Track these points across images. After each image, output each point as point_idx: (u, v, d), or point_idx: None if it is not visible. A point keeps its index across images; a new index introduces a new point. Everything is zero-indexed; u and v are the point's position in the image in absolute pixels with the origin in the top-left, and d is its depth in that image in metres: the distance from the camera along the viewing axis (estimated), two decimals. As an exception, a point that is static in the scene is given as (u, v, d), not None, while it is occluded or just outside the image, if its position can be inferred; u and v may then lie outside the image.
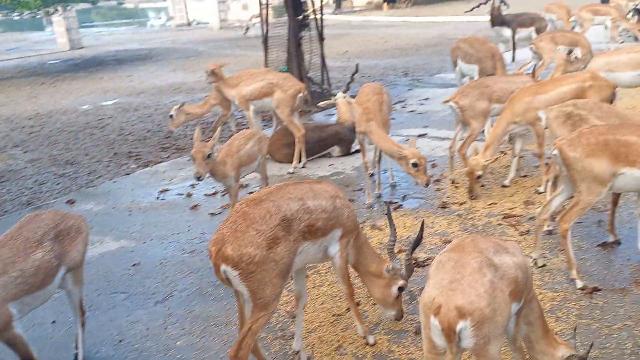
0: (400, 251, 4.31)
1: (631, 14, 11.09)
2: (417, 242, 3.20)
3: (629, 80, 6.32)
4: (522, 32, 9.94)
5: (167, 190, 6.62)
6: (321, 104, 7.10)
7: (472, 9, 10.96)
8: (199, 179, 4.53)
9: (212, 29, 29.51)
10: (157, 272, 4.73)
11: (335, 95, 7.21)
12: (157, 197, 6.45)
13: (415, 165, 4.84)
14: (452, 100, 5.80)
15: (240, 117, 9.20)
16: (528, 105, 5.17)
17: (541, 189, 5.39)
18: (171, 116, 7.77)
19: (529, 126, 5.28)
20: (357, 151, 7.05)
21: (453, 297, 2.31)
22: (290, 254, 3.05)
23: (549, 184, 4.84)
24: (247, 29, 23.53)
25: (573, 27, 11.21)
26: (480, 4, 10.05)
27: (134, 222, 5.80)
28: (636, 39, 10.67)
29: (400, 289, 3.37)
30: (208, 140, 4.64)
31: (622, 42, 10.67)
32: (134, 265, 4.90)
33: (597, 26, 11.52)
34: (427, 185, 4.94)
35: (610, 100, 5.12)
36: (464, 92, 5.78)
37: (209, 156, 4.50)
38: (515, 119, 5.25)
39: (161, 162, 7.81)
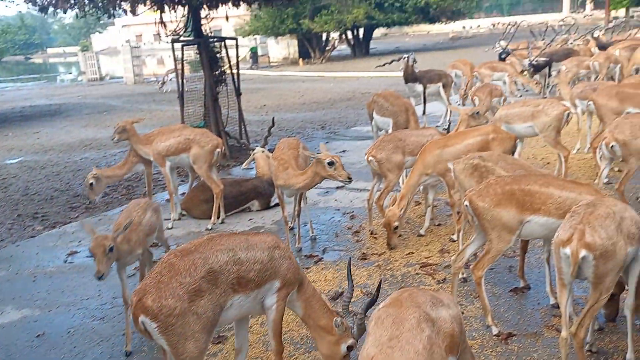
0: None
1: (527, 69, 11.97)
2: (373, 301, 3.18)
3: (523, 131, 6.72)
4: (431, 88, 10.49)
5: (75, 252, 6.27)
6: (243, 166, 7.16)
7: (383, 64, 11.49)
8: (100, 278, 3.81)
9: (127, 83, 29.05)
10: (64, 343, 4.40)
11: (253, 149, 7.24)
12: (65, 261, 6.08)
13: (331, 164, 4.94)
14: (368, 153, 5.96)
15: (156, 173, 8.97)
16: (438, 158, 5.39)
17: (455, 237, 5.57)
18: (91, 184, 6.78)
19: (439, 177, 5.48)
20: (277, 205, 7.04)
21: (392, 355, 2.28)
22: (216, 307, 2.96)
23: (462, 232, 5.02)
24: (163, 83, 23.33)
25: (475, 83, 11.95)
26: (393, 61, 10.57)
27: (38, 289, 5.42)
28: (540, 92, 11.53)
29: (349, 348, 3.30)
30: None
31: (520, 96, 11.46)
32: (38, 336, 4.54)
33: (496, 82, 12.36)
34: (349, 179, 4.95)
35: (512, 151, 5.44)
36: (379, 145, 5.97)
37: (111, 250, 3.85)
38: (426, 171, 5.45)
39: (70, 222, 7.42)
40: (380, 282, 3.38)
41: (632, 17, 31.46)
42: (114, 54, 55.92)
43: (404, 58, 10.22)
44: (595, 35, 15.29)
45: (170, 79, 23.29)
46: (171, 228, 6.69)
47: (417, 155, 5.67)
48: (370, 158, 5.94)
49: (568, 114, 6.53)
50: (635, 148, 5.31)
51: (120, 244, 4.01)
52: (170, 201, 6.97)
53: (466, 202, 3.93)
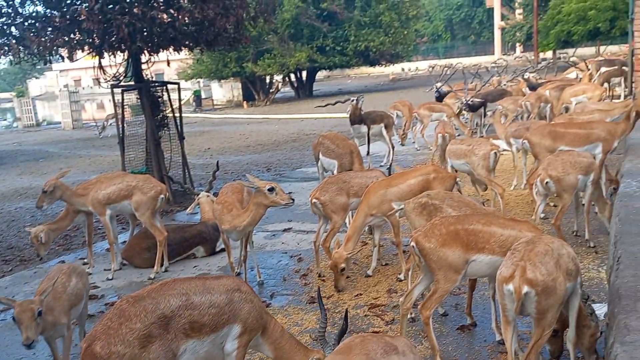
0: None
1: (463, 109, 12.43)
2: (343, 331, 3.16)
3: (459, 167, 7.22)
4: (374, 128, 10.72)
5: (8, 309, 5.91)
6: (187, 210, 7.07)
7: (325, 105, 11.72)
8: (29, 346, 3.57)
9: (65, 129, 28.31)
10: (-6, 408, 4.10)
11: (198, 194, 7.13)
12: (-3, 318, 5.73)
13: (271, 190, 4.96)
14: (312, 196, 5.98)
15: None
16: (382, 198, 5.46)
17: (402, 276, 5.60)
18: (39, 239, 6.30)
19: (384, 217, 5.54)
20: (222, 250, 6.91)
21: None
22: (168, 352, 2.90)
23: (410, 272, 5.05)
24: (103, 128, 22.86)
25: (414, 124, 12.32)
26: (337, 102, 10.78)
27: (-34, 350, 5.07)
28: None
29: None
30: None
31: (458, 135, 11.87)
32: (-35, 402, 4.22)
33: (435, 121, 12.76)
34: (292, 200, 5.01)
35: (452, 189, 5.57)
36: (323, 188, 6.00)
37: (39, 314, 3.58)
38: (371, 212, 5.50)
39: (2, 276, 7.03)
40: (346, 311, 3.39)
41: (559, 58, 33.39)
42: (52, 99, 54.57)
43: (353, 100, 10.40)
44: (526, 76, 16.11)
45: (110, 124, 22.89)
46: (112, 279, 6.45)
47: (361, 196, 5.72)
48: (314, 200, 5.96)
49: (495, 153, 6.89)
50: (567, 184, 5.55)
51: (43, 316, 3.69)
52: (110, 250, 6.72)
53: (412, 243, 3.96)
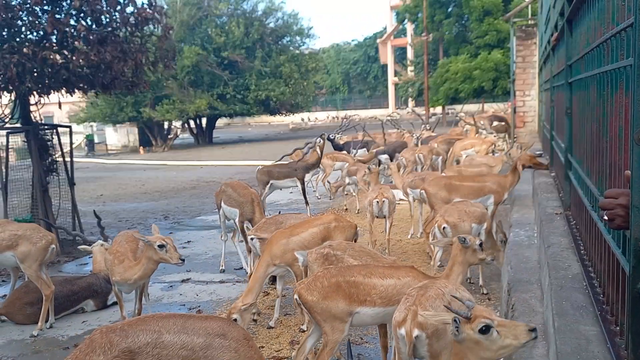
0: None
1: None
2: None
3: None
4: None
5: None
6: (81, 247, 6.78)
7: (292, 152, 11.85)
8: None
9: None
10: None
11: (92, 243, 6.74)
12: None
13: (161, 246, 4.83)
14: (252, 233, 6.12)
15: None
16: (285, 247, 5.42)
17: (304, 327, 5.54)
18: None
19: (287, 267, 5.50)
20: (115, 304, 6.51)
21: None
22: None
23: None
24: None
25: (318, 172, 12.50)
26: (296, 149, 11.09)
27: None
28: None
29: None
30: None
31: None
32: None
33: (337, 170, 13.09)
34: (182, 260, 4.87)
35: (354, 238, 5.67)
36: (262, 227, 6.22)
37: None
38: (274, 261, 5.44)
39: None
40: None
41: (448, 113, 35.72)
42: None
43: (318, 140, 10.22)
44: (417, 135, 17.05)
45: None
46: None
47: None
48: (252, 236, 6.07)
49: (377, 202, 7.32)
50: (462, 230, 5.86)
51: None
52: (-13, 306, 6.11)
53: (296, 296, 3.94)
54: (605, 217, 2.06)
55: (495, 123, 17.67)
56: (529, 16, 17.97)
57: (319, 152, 10.26)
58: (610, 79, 2.76)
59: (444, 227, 5.89)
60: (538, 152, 8.33)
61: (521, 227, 5.84)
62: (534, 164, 6.97)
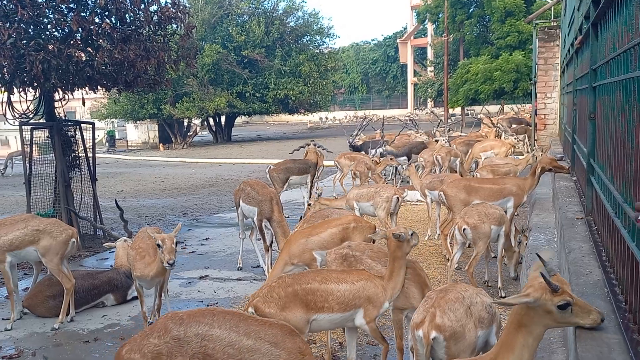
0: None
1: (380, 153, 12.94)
2: None
3: (367, 209, 7.80)
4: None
5: None
6: (106, 244, 6.88)
7: (299, 148, 12.15)
8: None
9: (-38, 165, 26.40)
10: None
11: (117, 238, 6.82)
12: None
13: (159, 245, 4.84)
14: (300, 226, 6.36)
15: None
16: (303, 247, 5.45)
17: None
18: None
19: (305, 266, 5.52)
20: (135, 299, 6.60)
21: None
22: None
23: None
24: (6, 167, 21.55)
25: (336, 171, 12.54)
26: (301, 147, 11.22)
27: None
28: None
29: None
30: None
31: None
32: None
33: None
34: (169, 264, 4.75)
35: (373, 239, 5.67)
36: (309, 220, 6.58)
37: None
38: (292, 260, 5.46)
39: None
40: None
41: (467, 114, 35.48)
42: (-50, 133, 51.03)
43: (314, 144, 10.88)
44: (433, 132, 16.98)
45: (14, 163, 21.69)
46: (10, 329, 5.95)
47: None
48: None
49: (397, 199, 7.58)
50: (483, 232, 5.85)
51: None
52: (9, 299, 6.21)
53: (251, 309, 3.81)
54: None
55: (514, 125, 17.54)
56: (552, 18, 17.79)
57: (320, 153, 10.95)
58: (638, 85, 2.74)
59: (464, 229, 5.88)
60: (559, 156, 8.25)
61: (541, 231, 5.80)
62: (555, 167, 6.90)
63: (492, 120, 18.50)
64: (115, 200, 7.17)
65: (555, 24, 15.53)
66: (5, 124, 10.54)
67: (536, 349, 2.60)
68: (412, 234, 4.05)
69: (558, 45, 14.21)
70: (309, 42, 37.76)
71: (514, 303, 2.58)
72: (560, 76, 12.70)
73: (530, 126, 16.74)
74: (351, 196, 7.96)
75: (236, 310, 3.37)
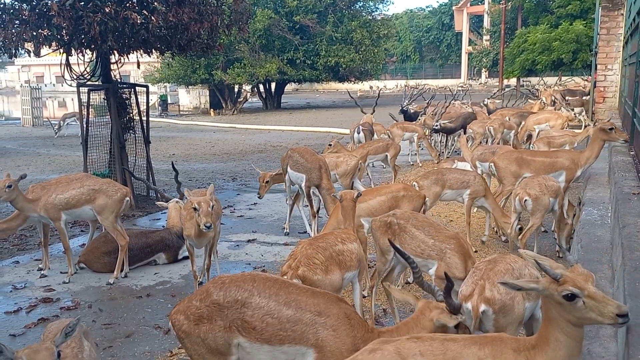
0: None
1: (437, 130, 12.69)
2: (449, 287, 3.00)
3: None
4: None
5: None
6: (158, 203, 7.07)
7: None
8: None
9: (24, 125, 27.54)
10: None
11: (170, 199, 7.00)
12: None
13: (195, 209, 4.99)
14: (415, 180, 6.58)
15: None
16: (353, 212, 5.45)
17: (365, 293, 5.58)
18: None
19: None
20: (185, 258, 6.79)
21: None
22: (218, 339, 3.04)
23: (374, 289, 5.04)
24: (59, 127, 22.24)
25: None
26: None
27: None
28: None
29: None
30: None
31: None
32: None
33: (406, 141, 12.96)
34: (206, 226, 4.92)
35: (422, 209, 5.63)
36: (425, 175, 6.88)
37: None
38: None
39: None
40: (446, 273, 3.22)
41: (522, 86, 34.39)
42: (12, 94, 53.03)
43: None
44: (485, 102, 16.54)
45: (67, 124, 22.38)
46: (68, 282, 6.25)
47: (454, 189, 6.62)
48: (414, 183, 6.55)
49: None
50: (542, 204, 5.78)
51: None
52: (66, 254, 6.49)
53: (296, 280, 3.73)
54: None
55: (568, 98, 16.88)
56: (619, -16, 16.84)
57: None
58: None
59: (525, 200, 5.80)
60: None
61: (594, 206, 5.62)
62: (611, 136, 6.60)
63: (540, 92, 17.83)
64: (172, 163, 7.32)
65: (621, -9, 14.71)
66: (63, 85, 10.86)
67: (574, 348, 2.41)
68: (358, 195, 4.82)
69: (622, 14, 13.48)
70: (361, 8, 37.14)
71: (521, 287, 2.50)
72: (623, 47, 12.08)
73: (586, 97, 16.09)
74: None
75: (279, 277, 3.37)
